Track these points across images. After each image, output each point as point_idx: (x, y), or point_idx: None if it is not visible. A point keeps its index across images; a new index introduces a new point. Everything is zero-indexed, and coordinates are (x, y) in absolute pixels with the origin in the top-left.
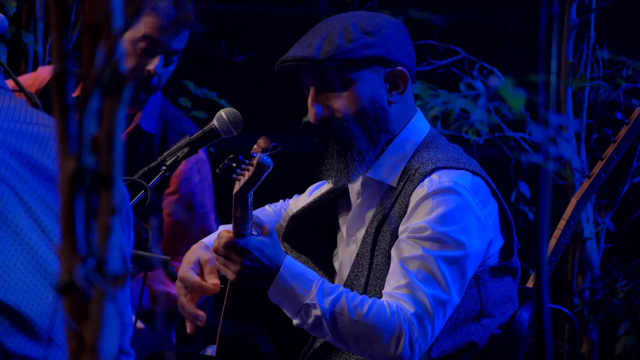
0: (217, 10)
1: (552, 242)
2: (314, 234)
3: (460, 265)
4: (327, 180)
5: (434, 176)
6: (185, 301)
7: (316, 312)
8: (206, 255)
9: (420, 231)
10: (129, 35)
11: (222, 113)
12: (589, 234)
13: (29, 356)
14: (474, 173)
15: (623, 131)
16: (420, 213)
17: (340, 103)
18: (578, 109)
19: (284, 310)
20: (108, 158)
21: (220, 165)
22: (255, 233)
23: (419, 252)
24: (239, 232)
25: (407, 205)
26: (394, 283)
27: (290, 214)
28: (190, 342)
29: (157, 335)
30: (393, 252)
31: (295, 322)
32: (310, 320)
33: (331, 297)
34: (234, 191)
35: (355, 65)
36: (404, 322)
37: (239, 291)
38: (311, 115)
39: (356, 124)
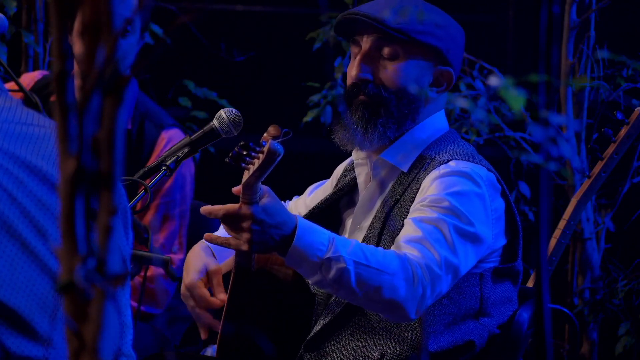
0: (217, 10)
1: (552, 242)
2: None
3: (468, 242)
4: (336, 140)
5: (452, 163)
6: (200, 312)
7: (339, 264)
8: (213, 263)
9: (437, 201)
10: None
11: (222, 113)
12: (589, 234)
13: (29, 356)
14: (489, 170)
15: (623, 131)
16: (438, 188)
17: (386, 73)
18: (578, 109)
19: (300, 272)
20: (108, 158)
21: (230, 154)
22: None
23: (434, 215)
24: (246, 201)
25: (419, 189)
26: (405, 238)
27: None
28: (191, 342)
29: (157, 335)
30: (406, 219)
31: (313, 279)
32: (332, 274)
33: (350, 247)
34: (243, 180)
35: (416, 47)
36: (416, 268)
37: (241, 292)
38: (353, 71)
39: (393, 96)
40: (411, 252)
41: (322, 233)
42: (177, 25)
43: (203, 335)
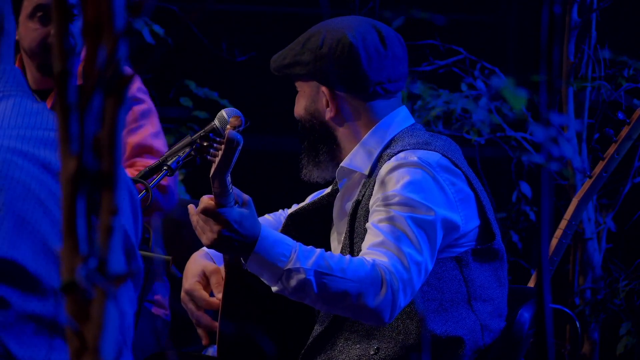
0: (218, 10)
1: (554, 242)
2: (309, 235)
3: (429, 230)
4: (311, 180)
5: (401, 154)
6: (200, 315)
7: (299, 276)
8: (211, 265)
9: (389, 198)
10: (24, 12)
11: (224, 113)
12: (591, 234)
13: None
14: (444, 155)
15: (624, 131)
16: (389, 185)
17: (295, 107)
18: (579, 109)
19: (262, 279)
20: (109, 158)
21: (194, 146)
22: (235, 204)
23: (390, 214)
24: (220, 203)
25: (374, 185)
26: (369, 244)
27: None
28: (191, 342)
29: (157, 335)
30: (367, 223)
31: (275, 288)
32: (292, 284)
33: (312, 259)
34: (211, 173)
35: (297, 79)
36: (385, 273)
37: (235, 290)
38: None
39: (305, 130)
40: (378, 257)
41: (285, 245)
42: (179, 25)
43: (204, 341)
